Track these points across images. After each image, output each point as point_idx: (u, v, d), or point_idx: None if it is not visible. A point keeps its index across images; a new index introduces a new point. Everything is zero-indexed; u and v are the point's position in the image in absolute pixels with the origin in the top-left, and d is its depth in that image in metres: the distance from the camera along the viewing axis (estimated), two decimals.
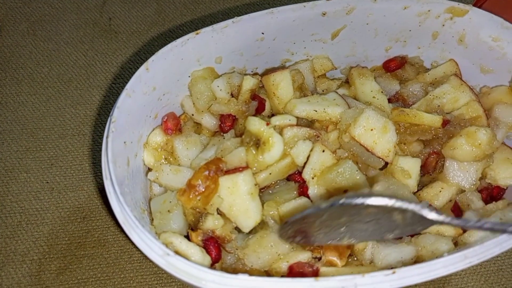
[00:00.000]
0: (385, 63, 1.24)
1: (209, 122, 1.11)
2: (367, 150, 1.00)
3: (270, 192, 1.04)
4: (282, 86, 1.08)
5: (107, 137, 0.91)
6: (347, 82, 1.22)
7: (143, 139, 1.06)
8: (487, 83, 1.18)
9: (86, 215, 1.22)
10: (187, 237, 0.96)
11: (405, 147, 1.07)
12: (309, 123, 1.07)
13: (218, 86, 1.08)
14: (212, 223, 0.96)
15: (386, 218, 0.80)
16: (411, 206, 0.78)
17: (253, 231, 0.99)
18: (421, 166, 1.04)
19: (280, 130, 1.01)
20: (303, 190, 1.01)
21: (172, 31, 1.53)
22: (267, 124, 1.00)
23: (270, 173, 0.99)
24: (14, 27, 1.52)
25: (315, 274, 0.94)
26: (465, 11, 1.12)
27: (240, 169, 0.97)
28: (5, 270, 1.14)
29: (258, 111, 1.11)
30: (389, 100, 1.16)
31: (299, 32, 1.13)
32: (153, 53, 1.01)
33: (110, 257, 1.17)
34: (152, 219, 0.99)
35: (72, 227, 1.20)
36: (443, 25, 1.15)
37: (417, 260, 0.98)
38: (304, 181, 1.01)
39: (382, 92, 1.13)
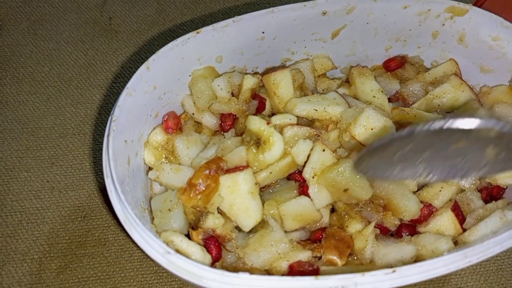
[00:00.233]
0: (385, 62, 1.24)
1: (210, 121, 1.11)
2: None
3: (271, 191, 1.04)
4: (282, 85, 1.08)
5: (108, 136, 0.91)
6: (347, 82, 1.22)
7: (143, 138, 1.06)
8: (487, 82, 1.19)
9: (87, 214, 1.22)
10: (188, 236, 0.96)
11: None
12: (309, 122, 1.08)
13: (218, 85, 1.08)
14: (212, 222, 0.96)
15: (476, 153, 0.74)
16: None
17: (253, 230, 0.99)
18: None
19: (281, 129, 1.01)
20: (303, 189, 1.01)
21: (173, 31, 1.53)
22: (268, 123, 1.00)
23: (270, 172, 0.99)
24: (14, 26, 1.53)
25: (315, 273, 0.94)
26: (465, 11, 1.12)
27: (241, 168, 0.97)
28: (6, 269, 1.14)
29: (259, 110, 1.11)
30: (389, 100, 1.16)
31: (300, 31, 1.13)
32: (154, 53, 1.01)
33: (111, 256, 1.17)
34: (153, 218, 1.00)
35: (73, 226, 1.20)
36: (443, 24, 1.15)
37: (417, 259, 0.98)
38: (305, 180, 1.01)
39: (382, 91, 1.13)
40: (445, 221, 1.02)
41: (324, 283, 0.79)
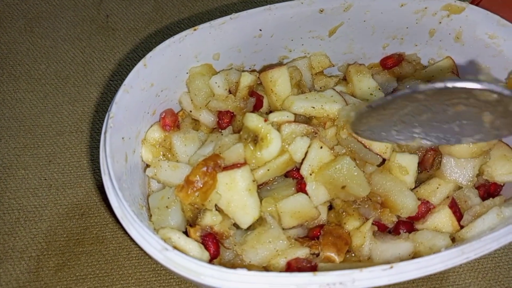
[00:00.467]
0: (383, 60, 1.24)
1: (207, 118, 1.11)
2: (365, 146, 1.00)
3: (268, 188, 1.04)
4: (279, 82, 1.08)
5: (105, 133, 0.91)
6: (344, 79, 1.23)
7: (141, 135, 1.06)
8: None
9: (84, 212, 1.22)
10: (186, 233, 0.96)
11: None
12: (307, 119, 1.08)
13: (216, 83, 1.08)
14: (210, 219, 0.96)
15: (472, 119, 0.76)
16: None
17: (251, 228, 0.99)
18: (419, 163, 1.05)
19: (278, 127, 1.01)
20: (301, 187, 1.01)
21: (170, 28, 1.53)
22: (265, 121, 1.00)
23: (268, 170, 0.99)
24: (11, 24, 1.52)
25: (313, 270, 0.94)
26: (462, 9, 1.12)
27: (238, 165, 0.97)
28: (4, 267, 1.14)
29: (256, 108, 1.11)
30: None
31: (297, 29, 1.13)
32: (151, 50, 1.01)
33: (109, 254, 1.17)
34: (151, 215, 0.99)
35: (71, 224, 1.20)
36: (440, 22, 1.16)
37: (414, 256, 0.98)
38: (302, 178, 1.01)
39: (379, 89, 1.13)
40: (443, 218, 1.02)
41: (322, 279, 0.79)
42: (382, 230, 1.03)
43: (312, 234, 1.01)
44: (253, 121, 1.00)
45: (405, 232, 1.03)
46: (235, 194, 0.96)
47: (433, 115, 0.77)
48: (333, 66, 1.24)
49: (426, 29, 1.18)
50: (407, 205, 0.99)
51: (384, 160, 1.02)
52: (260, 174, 0.99)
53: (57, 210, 1.22)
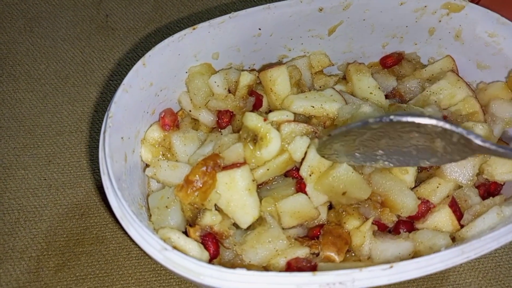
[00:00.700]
0: (382, 59, 1.24)
1: (207, 118, 1.11)
2: None
3: (268, 188, 1.04)
4: (279, 82, 1.08)
5: (104, 132, 0.91)
6: (344, 78, 1.22)
7: (140, 135, 1.06)
8: (484, 79, 1.19)
9: (84, 212, 1.22)
10: (185, 233, 0.96)
11: None
12: (306, 119, 1.07)
13: (215, 82, 1.08)
14: (210, 219, 0.96)
15: (427, 145, 0.81)
16: (459, 130, 0.78)
17: (251, 227, 0.99)
18: None
19: (278, 126, 1.01)
20: (300, 187, 1.01)
21: (169, 28, 1.53)
22: (265, 120, 1.00)
23: (267, 169, 0.99)
24: (11, 23, 1.52)
25: (313, 269, 0.94)
26: (461, 7, 1.12)
27: (238, 164, 0.97)
28: (4, 267, 1.14)
29: (256, 107, 1.11)
30: (386, 96, 1.16)
31: (296, 28, 1.13)
32: (150, 50, 1.01)
33: (109, 254, 1.17)
34: (150, 215, 0.99)
35: (70, 224, 1.20)
36: (440, 21, 1.16)
37: (414, 255, 0.98)
38: (302, 178, 1.01)
39: (379, 88, 1.13)
40: (443, 217, 1.02)
41: (322, 278, 0.79)
42: (382, 229, 1.02)
43: (312, 234, 1.01)
44: (253, 120, 1.00)
45: (405, 232, 1.02)
46: (235, 194, 0.96)
47: (391, 140, 0.83)
48: (332, 65, 1.24)
49: (426, 28, 1.18)
50: (407, 204, 0.99)
51: None
52: (260, 174, 0.99)
53: (57, 210, 1.22)
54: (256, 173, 0.99)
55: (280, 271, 0.94)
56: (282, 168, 1.02)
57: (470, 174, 1.03)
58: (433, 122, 0.78)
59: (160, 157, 1.07)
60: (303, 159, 1.00)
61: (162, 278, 1.14)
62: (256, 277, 0.79)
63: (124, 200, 0.85)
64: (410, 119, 0.79)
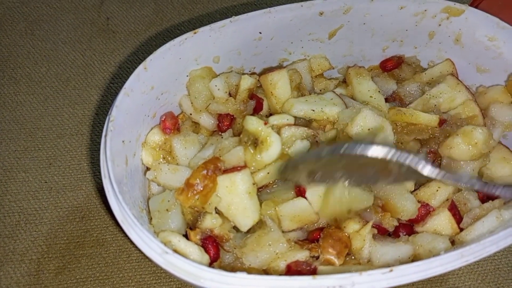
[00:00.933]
0: (382, 62, 1.25)
1: (207, 121, 1.11)
2: None
3: (268, 191, 1.04)
4: (279, 85, 1.08)
5: (105, 136, 0.92)
6: (344, 82, 1.23)
7: (141, 138, 1.06)
8: (483, 82, 1.19)
9: (85, 215, 1.22)
10: (186, 236, 0.96)
11: (402, 147, 1.08)
12: (306, 122, 1.08)
13: (216, 86, 1.08)
14: (210, 222, 0.96)
15: (382, 167, 0.85)
16: (407, 161, 0.83)
17: (251, 231, 0.99)
18: None
19: (278, 130, 1.01)
20: (300, 191, 1.01)
21: (170, 31, 1.53)
22: (265, 124, 1.00)
23: (268, 173, 0.99)
24: (12, 26, 1.52)
25: (313, 273, 0.94)
26: (461, 11, 1.12)
27: (238, 168, 0.97)
28: (4, 269, 1.14)
29: (256, 111, 1.12)
30: (386, 100, 1.16)
31: (297, 31, 1.13)
32: (151, 53, 1.01)
33: (109, 257, 1.17)
34: (151, 218, 1.00)
35: (71, 226, 1.20)
36: (440, 25, 1.16)
37: (414, 258, 0.98)
38: None
39: (379, 91, 1.13)
40: (442, 221, 1.02)
41: (322, 282, 0.79)
42: (382, 233, 1.03)
43: (312, 237, 1.01)
44: (253, 124, 1.00)
45: (405, 235, 1.03)
46: (235, 197, 0.96)
47: (349, 163, 0.86)
48: (333, 69, 1.24)
49: (426, 32, 1.18)
50: (407, 208, 0.99)
51: None
52: (260, 177, 0.99)
53: (57, 213, 1.22)
54: (256, 176, 0.99)
55: (280, 274, 0.94)
56: None
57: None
58: (381, 154, 0.83)
59: (161, 160, 1.07)
60: None
61: (162, 281, 1.14)
62: (256, 281, 0.79)
63: (125, 203, 0.86)
64: (359, 152, 0.83)
